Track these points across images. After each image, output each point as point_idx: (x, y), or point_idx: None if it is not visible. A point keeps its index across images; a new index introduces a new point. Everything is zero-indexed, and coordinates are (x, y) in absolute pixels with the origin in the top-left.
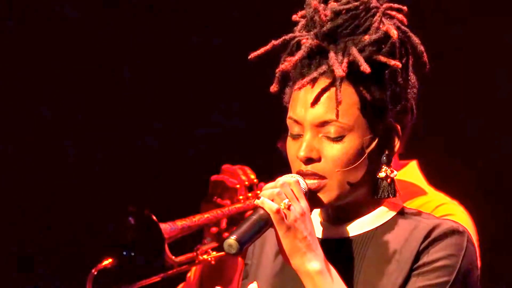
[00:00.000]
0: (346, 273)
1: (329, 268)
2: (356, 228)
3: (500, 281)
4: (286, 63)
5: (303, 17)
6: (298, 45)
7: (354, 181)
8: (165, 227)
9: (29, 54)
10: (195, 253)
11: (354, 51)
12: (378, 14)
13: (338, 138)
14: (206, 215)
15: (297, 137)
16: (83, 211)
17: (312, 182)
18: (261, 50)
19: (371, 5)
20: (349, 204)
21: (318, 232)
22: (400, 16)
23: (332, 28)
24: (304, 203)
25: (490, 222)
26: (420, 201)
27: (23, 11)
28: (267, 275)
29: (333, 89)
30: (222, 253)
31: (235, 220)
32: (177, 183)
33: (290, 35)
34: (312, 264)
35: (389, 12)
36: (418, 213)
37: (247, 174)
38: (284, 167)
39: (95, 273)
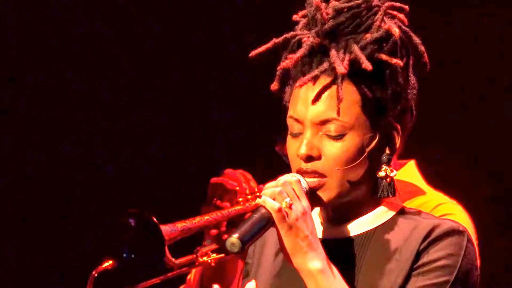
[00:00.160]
0: (346, 273)
1: (330, 267)
2: (355, 228)
3: (500, 281)
4: (288, 61)
5: (304, 16)
6: (299, 44)
7: (354, 179)
8: (165, 229)
9: (29, 54)
10: (195, 255)
11: (355, 49)
12: (380, 13)
13: (339, 136)
14: (206, 217)
15: (297, 135)
16: (83, 212)
17: (312, 181)
18: (262, 48)
19: (373, 3)
20: (349, 203)
21: (318, 232)
22: (401, 15)
23: (334, 26)
24: (305, 202)
25: (490, 222)
26: (419, 200)
27: (23, 11)
28: (266, 275)
29: (334, 87)
30: (222, 255)
31: (235, 222)
32: (177, 185)
33: (291, 33)
34: (314, 263)
35: (390, 11)
36: (418, 213)
37: (248, 181)
38: (283, 170)
39: (96, 275)
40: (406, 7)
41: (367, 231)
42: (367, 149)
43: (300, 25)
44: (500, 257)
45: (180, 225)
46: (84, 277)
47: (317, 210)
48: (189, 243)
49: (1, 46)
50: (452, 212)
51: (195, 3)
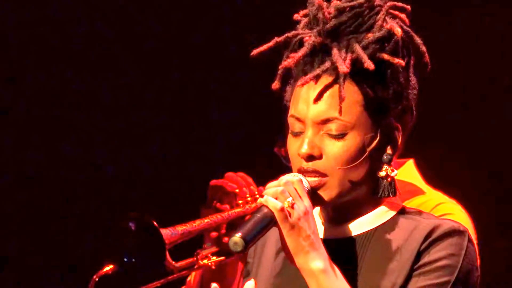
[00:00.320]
0: (347, 273)
1: (332, 267)
2: (356, 227)
3: (500, 281)
4: (289, 60)
5: (305, 15)
6: (301, 43)
7: (355, 179)
8: (165, 232)
9: (29, 54)
10: (195, 258)
11: (357, 48)
12: (382, 12)
13: (340, 136)
14: (206, 220)
15: (298, 134)
16: (83, 212)
17: (313, 180)
18: (264, 47)
19: (375, 3)
20: (349, 203)
21: (319, 232)
22: (403, 15)
23: (336, 25)
24: (307, 202)
25: (490, 222)
26: (419, 200)
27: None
28: (267, 275)
29: (336, 87)
30: (222, 258)
31: (234, 224)
32: (177, 185)
33: (293, 32)
34: (316, 262)
35: (392, 11)
36: (418, 213)
37: (249, 185)
38: (284, 170)
39: (97, 279)
40: (408, 7)
41: (368, 231)
42: (368, 149)
43: (301, 24)
44: (500, 257)
45: (181, 228)
46: (84, 277)
47: (317, 210)
48: (189, 246)
49: (1, 46)
50: (451, 211)
51: (195, 3)
